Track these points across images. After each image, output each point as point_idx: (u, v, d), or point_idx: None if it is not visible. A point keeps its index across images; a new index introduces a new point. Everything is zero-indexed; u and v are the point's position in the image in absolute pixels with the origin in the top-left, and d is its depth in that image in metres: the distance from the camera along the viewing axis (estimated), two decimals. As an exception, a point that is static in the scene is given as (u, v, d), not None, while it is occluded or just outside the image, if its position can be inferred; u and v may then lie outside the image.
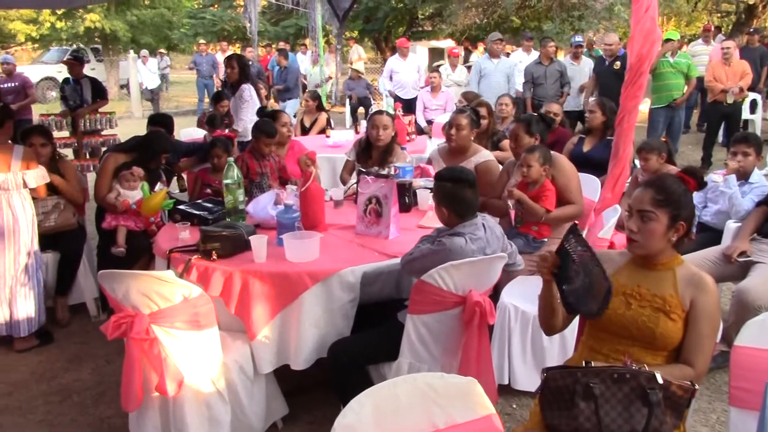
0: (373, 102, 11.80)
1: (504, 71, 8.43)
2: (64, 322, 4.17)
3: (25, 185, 3.72)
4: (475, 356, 2.61)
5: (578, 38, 8.82)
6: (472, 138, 4.28)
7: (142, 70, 15.26)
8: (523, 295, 3.25)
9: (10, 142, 3.87)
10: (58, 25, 18.36)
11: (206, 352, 2.60)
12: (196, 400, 2.59)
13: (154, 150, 4.37)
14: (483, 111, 5.18)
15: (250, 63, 10.32)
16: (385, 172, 3.82)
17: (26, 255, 3.75)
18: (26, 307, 3.76)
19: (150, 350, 2.51)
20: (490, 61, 8.49)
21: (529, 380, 3.22)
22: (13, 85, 8.26)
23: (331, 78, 13.46)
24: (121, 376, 3.32)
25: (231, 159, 3.53)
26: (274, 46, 16.09)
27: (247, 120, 5.69)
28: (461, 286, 2.57)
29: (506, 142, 5.09)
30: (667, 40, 7.58)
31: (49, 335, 3.93)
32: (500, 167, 4.19)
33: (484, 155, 4.23)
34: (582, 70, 8.35)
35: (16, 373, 3.58)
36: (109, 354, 3.74)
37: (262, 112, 5.18)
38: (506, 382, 3.22)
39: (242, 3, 19.09)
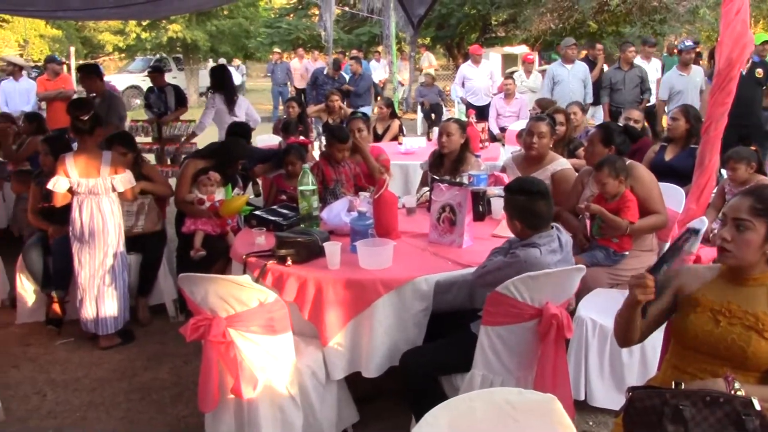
0: (445, 109, 11.77)
1: (578, 77, 8.22)
2: (145, 322, 4.32)
3: (113, 189, 3.89)
4: (552, 370, 2.54)
5: (689, 42, 8.31)
6: (551, 146, 4.19)
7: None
8: (602, 309, 3.15)
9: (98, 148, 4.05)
10: (143, 35, 19.19)
11: (280, 356, 2.63)
12: (270, 404, 2.62)
13: (231, 156, 4.50)
14: (560, 118, 5.06)
15: (324, 72, 10.53)
16: (458, 180, 3.78)
17: (113, 256, 3.91)
18: (111, 306, 3.92)
19: (226, 353, 2.56)
20: (564, 67, 8.30)
21: (606, 397, 3.10)
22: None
23: (403, 85, 13.51)
24: (197, 377, 3.43)
25: (306, 166, 3.58)
26: (347, 53, 16.32)
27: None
28: (537, 298, 2.51)
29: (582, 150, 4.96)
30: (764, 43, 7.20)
31: (131, 334, 4.08)
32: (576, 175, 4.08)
33: (560, 163, 4.13)
34: (692, 80, 7.79)
35: (99, 369, 3.73)
36: (186, 355, 3.85)
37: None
38: (582, 398, 3.11)
39: (317, 12, 19.46)
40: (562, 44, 8.52)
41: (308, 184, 3.48)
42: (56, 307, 4.13)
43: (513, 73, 10.63)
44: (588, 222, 3.62)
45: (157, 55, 20.30)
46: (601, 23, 17.30)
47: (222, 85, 6.48)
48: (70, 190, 3.86)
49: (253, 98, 20.99)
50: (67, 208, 3.94)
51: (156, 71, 7.85)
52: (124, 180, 3.92)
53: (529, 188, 2.67)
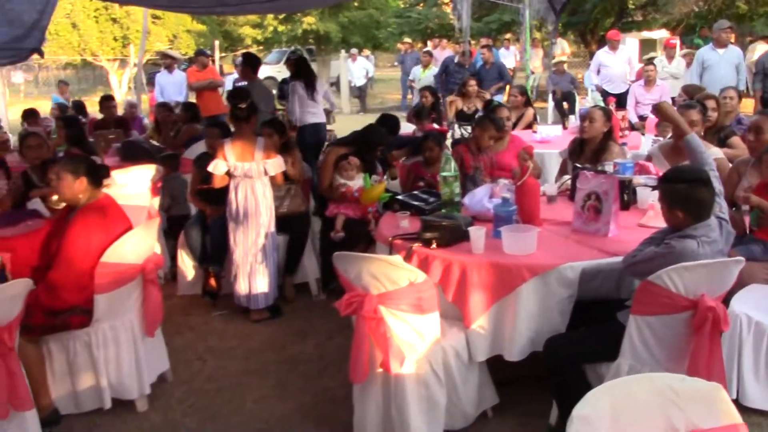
0: (578, 97, 11.43)
1: (731, 62, 7.70)
2: (291, 299, 4.57)
3: (265, 173, 4.16)
4: (705, 364, 2.46)
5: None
6: (702, 134, 4.00)
7: (351, 68, 16.18)
8: (758, 305, 3.00)
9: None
10: (280, 28, 20.07)
11: (427, 335, 2.73)
12: (416, 380, 2.73)
13: (371, 143, 4.68)
14: (711, 104, 4.80)
15: (455, 60, 10.53)
16: (602, 168, 3.71)
17: (264, 236, 4.19)
18: (262, 282, 4.21)
19: (377, 329, 2.69)
20: (715, 51, 7.80)
21: (762, 398, 2.96)
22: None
23: (534, 73, 13.25)
24: (341, 352, 3.63)
25: (448, 152, 3.65)
26: (473, 42, 16.22)
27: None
28: (692, 290, 2.43)
29: (736, 139, 4.68)
30: None
31: (279, 310, 4.36)
32: (729, 166, 3.87)
33: (713, 153, 3.92)
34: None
35: (251, 340, 4.02)
36: (329, 331, 4.06)
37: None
38: (734, 397, 2.98)
39: (447, 1, 19.46)
40: (715, 27, 8.02)
41: (451, 170, 3.55)
42: (212, 281, 4.48)
43: (653, 59, 10.13)
44: (746, 214, 3.43)
45: (292, 47, 21.15)
46: (752, 4, 16.01)
47: (301, 73, 6.78)
48: (228, 173, 4.18)
49: (380, 88, 21.41)
50: (224, 191, 4.27)
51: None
52: (276, 164, 4.19)
53: (690, 176, 2.58)
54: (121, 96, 18.42)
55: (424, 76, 12.05)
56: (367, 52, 20.44)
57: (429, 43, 18.14)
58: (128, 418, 3.20)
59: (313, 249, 4.74)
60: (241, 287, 4.24)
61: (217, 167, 4.16)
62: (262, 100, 6.71)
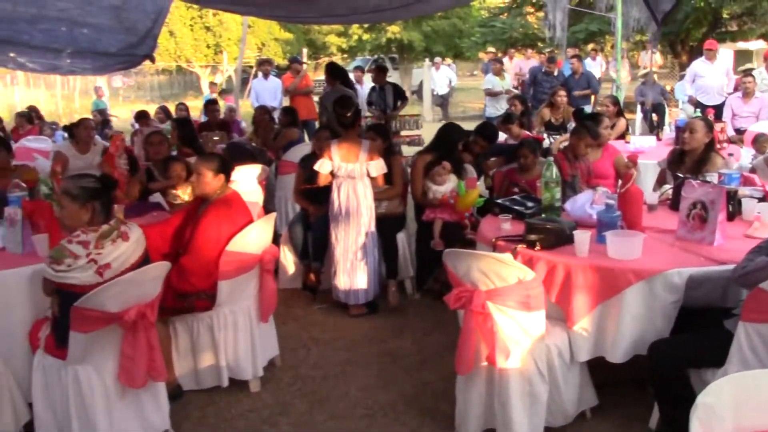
0: (667, 108, 11.18)
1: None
2: (394, 305, 4.61)
3: (368, 174, 4.37)
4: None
5: None
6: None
7: (434, 77, 16.36)
8: None
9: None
10: (365, 37, 20.48)
11: (532, 332, 2.84)
12: (520, 375, 2.85)
13: (449, 141, 4.83)
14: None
15: (542, 70, 10.55)
16: (705, 179, 3.72)
17: (365, 235, 4.40)
18: (362, 279, 4.41)
19: (484, 323, 2.82)
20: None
21: None
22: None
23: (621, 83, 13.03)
24: (438, 348, 3.78)
25: (550, 159, 3.75)
26: (557, 52, 16.06)
27: None
28: (807, 299, 2.45)
29: None
30: None
31: (376, 306, 4.55)
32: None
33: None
34: None
35: (352, 333, 4.23)
36: (426, 328, 4.22)
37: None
38: None
39: (532, 10, 19.36)
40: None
41: (552, 175, 3.64)
42: (313, 276, 4.72)
43: (750, 70, 9.82)
44: None
45: (375, 56, 21.54)
46: None
47: (337, 77, 7.57)
48: (332, 173, 4.41)
49: (461, 97, 21.46)
50: (327, 191, 4.51)
51: (379, 69, 8.50)
52: (378, 166, 4.39)
53: None
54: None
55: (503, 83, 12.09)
56: (449, 60, 20.58)
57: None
58: (242, 397, 3.45)
59: (409, 250, 4.91)
60: (341, 283, 4.46)
61: (322, 166, 4.40)
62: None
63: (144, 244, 3.04)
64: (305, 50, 17.61)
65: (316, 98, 9.64)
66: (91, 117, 9.31)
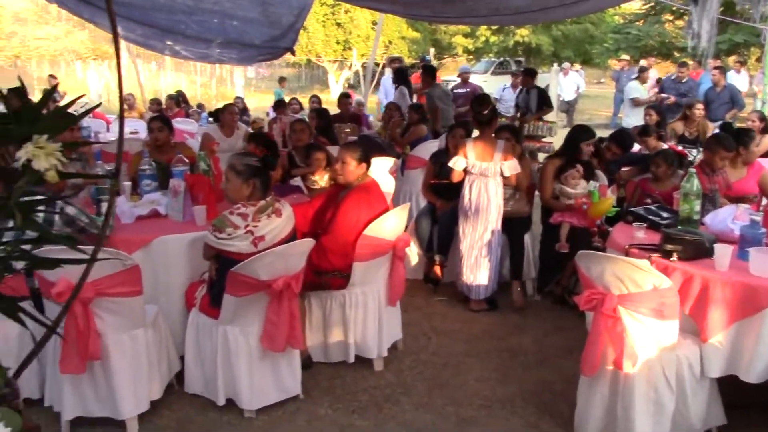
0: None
1: None
2: (519, 305, 4.60)
3: (501, 174, 4.45)
4: None
5: None
6: None
7: (561, 82, 16.05)
8: None
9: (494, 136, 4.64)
10: (492, 39, 20.41)
11: (663, 341, 2.82)
12: (646, 382, 2.84)
13: (575, 142, 4.78)
14: None
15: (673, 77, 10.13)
16: None
17: (491, 233, 4.48)
18: (484, 275, 4.50)
19: (613, 327, 2.84)
20: None
21: None
22: (465, 91, 9.63)
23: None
24: (558, 349, 3.81)
25: (692, 170, 3.67)
26: (694, 63, 15.29)
27: None
28: None
29: None
30: None
31: (496, 303, 4.62)
32: None
33: None
34: None
35: (472, 326, 4.33)
36: (546, 329, 4.25)
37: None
38: None
39: (670, 18, 18.53)
40: None
41: (693, 187, 3.57)
42: (436, 269, 4.86)
43: None
44: None
45: (501, 58, 21.41)
46: None
47: (402, 80, 8.46)
48: (465, 170, 4.52)
49: (587, 104, 20.88)
50: (456, 186, 4.62)
51: (526, 73, 8.52)
52: (512, 166, 4.46)
53: None
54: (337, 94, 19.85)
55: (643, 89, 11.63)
56: (577, 66, 20.10)
57: (643, 61, 17.41)
58: (367, 374, 3.65)
59: (531, 251, 4.94)
60: (464, 277, 4.57)
61: (457, 163, 4.52)
62: (442, 101, 8.01)
63: (293, 222, 3.29)
64: (432, 50, 17.80)
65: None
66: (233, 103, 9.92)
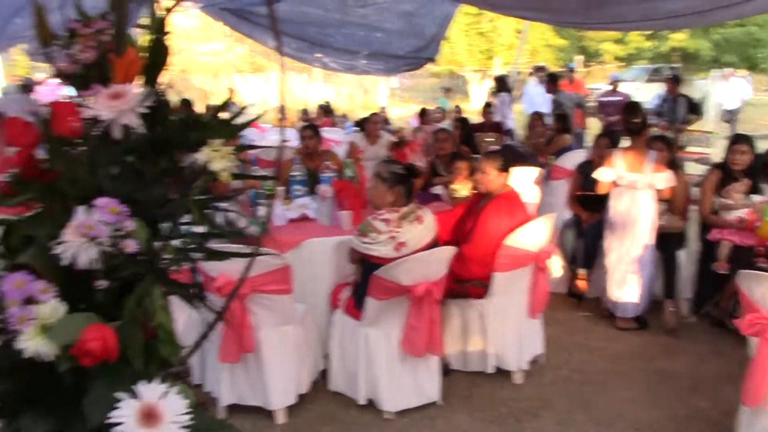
0: None
1: None
2: (670, 326, 4.28)
3: (653, 186, 4.22)
4: None
5: None
6: None
7: (723, 90, 14.93)
8: None
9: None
10: (644, 44, 19.41)
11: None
12: (821, 418, 2.57)
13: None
14: None
15: None
16: None
17: (641, 247, 4.25)
18: (633, 292, 4.28)
19: (780, 354, 2.60)
20: None
21: None
22: (615, 99, 9.24)
23: None
24: (714, 375, 3.55)
25: None
26: None
27: None
28: None
29: None
30: None
31: (645, 322, 4.37)
32: None
33: None
34: None
35: (618, 345, 4.13)
36: (701, 353, 3.97)
37: None
38: None
39: None
40: None
41: None
42: (580, 283, 4.69)
43: None
44: None
45: (655, 65, 20.29)
46: None
47: (504, 88, 9.04)
48: (613, 182, 4.34)
49: (752, 113, 19.24)
50: (602, 198, 4.44)
51: (674, 80, 8.02)
52: (665, 179, 4.21)
53: None
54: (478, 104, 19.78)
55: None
56: (743, 72, 18.59)
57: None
58: (506, 386, 3.60)
59: (685, 269, 4.63)
60: (611, 293, 4.37)
61: (603, 174, 4.35)
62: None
63: (435, 229, 3.33)
64: (580, 58, 17.26)
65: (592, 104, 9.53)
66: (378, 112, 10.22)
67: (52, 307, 1.07)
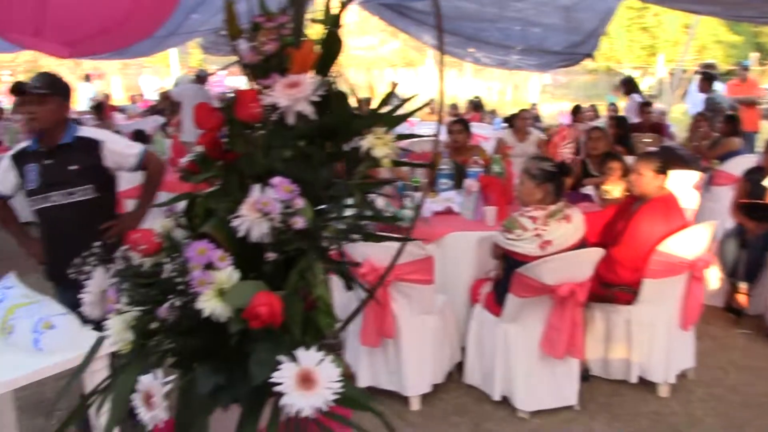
0: None
1: None
2: None
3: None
4: None
5: None
6: None
7: None
8: None
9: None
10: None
11: None
12: None
13: None
14: None
15: None
16: None
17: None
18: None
19: None
20: None
21: None
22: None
23: None
24: None
25: None
26: None
27: None
28: None
29: None
30: None
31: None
32: None
33: None
34: None
35: None
36: None
37: None
38: None
39: None
40: None
41: None
42: (741, 298, 4.35)
43: None
44: None
45: None
46: None
47: (633, 89, 8.90)
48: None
49: None
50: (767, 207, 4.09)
51: None
52: None
53: None
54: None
55: None
56: None
57: None
58: (649, 398, 3.43)
59: None
60: None
61: (776, 182, 4.01)
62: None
63: (583, 230, 3.24)
64: (755, 55, 15.82)
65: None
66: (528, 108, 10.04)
67: (228, 274, 1.19)
